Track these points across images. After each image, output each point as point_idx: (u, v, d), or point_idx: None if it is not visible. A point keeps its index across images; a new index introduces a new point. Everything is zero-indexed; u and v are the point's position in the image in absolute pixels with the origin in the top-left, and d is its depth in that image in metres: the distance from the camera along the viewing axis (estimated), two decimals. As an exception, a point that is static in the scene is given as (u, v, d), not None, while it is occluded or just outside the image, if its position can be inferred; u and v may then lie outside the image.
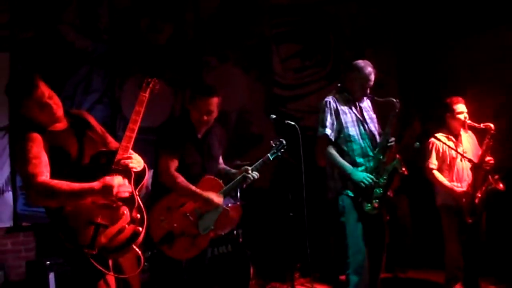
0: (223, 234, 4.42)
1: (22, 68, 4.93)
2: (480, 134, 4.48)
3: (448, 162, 4.47)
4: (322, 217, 5.09)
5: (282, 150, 3.91)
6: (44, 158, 2.74)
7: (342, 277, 4.70)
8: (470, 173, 4.40)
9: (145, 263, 4.18)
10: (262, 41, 6.31)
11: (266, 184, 5.53)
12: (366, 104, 4.16)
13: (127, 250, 2.76)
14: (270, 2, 6.40)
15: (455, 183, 4.44)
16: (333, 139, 3.96)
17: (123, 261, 2.88)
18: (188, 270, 3.68)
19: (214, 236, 3.83)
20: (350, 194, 3.93)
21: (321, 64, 6.63)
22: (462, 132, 4.53)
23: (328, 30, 6.70)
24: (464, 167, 4.45)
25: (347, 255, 3.92)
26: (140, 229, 2.77)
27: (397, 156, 3.95)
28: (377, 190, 3.89)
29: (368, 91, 4.05)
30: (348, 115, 4.00)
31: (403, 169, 3.89)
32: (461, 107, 4.46)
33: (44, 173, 2.69)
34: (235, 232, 4.82)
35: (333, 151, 3.95)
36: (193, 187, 3.61)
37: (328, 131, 3.94)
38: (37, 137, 2.77)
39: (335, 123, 3.96)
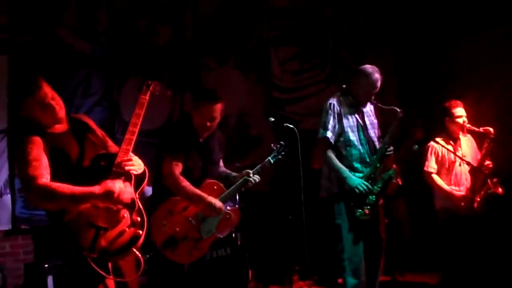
0: (221, 237, 4.42)
1: (21, 71, 4.92)
2: (479, 138, 4.48)
3: (447, 166, 4.47)
4: (321, 220, 5.08)
5: (282, 153, 3.92)
6: (44, 160, 2.73)
7: (340, 280, 4.71)
8: (468, 177, 4.40)
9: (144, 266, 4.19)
10: (261, 44, 6.31)
11: (265, 187, 5.53)
12: (369, 108, 4.17)
13: (127, 253, 2.76)
14: (269, 5, 6.40)
15: (453, 187, 4.44)
16: (333, 142, 3.97)
17: (122, 264, 2.87)
18: (188, 273, 3.68)
19: (213, 239, 3.83)
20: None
21: (319, 67, 6.63)
22: (461, 135, 4.53)
23: (327, 32, 6.70)
24: (462, 171, 4.45)
25: (342, 258, 3.93)
26: (140, 232, 2.76)
27: (394, 166, 3.97)
28: (370, 197, 3.90)
29: (373, 97, 4.05)
30: (349, 120, 4.01)
31: (398, 179, 3.91)
32: (460, 111, 4.46)
33: (44, 176, 2.68)
34: (233, 235, 4.82)
35: (332, 154, 3.96)
36: (198, 191, 3.62)
37: (329, 133, 3.95)
38: (37, 139, 2.76)
39: (337, 126, 3.97)
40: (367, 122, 4.08)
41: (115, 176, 2.78)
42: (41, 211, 4.26)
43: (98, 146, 2.99)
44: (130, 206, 2.78)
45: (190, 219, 3.63)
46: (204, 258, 3.78)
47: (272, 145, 3.97)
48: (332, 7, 6.70)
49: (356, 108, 4.06)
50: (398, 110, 3.94)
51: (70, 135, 2.92)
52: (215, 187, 3.74)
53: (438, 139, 4.47)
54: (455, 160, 4.45)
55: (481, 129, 4.35)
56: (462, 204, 4.32)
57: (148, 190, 3.47)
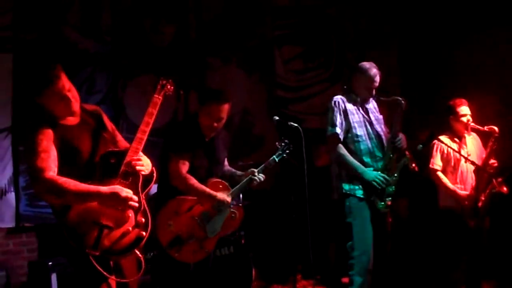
0: (225, 235, 4.42)
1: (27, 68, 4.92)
2: (484, 137, 4.47)
3: (452, 164, 4.46)
4: (325, 219, 5.08)
5: (287, 151, 3.91)
6: (53, 152, 2.69)
7: (344, 280, 4.70)
8: (474, 175, 4.39)
9: (147, 265, 4.20)
10: (265, 43, 6.32)
11: (268, 185, 5.53)
12: (372, 105, 4.19)
13: (129, 254, 2.75)
14: (273, 4, 6.40)
15: (459, 185, 4.43)
16: (342, 139, 3.98)
17: (124, 263, 2.86)
18: (193, 272, 3.68)
19: (218, 238, 3.83)
20: (359, 194, 3.93)
21: (323, 66, 6.63)
22: (466, 134, 4.52)
23: (330, 32, 6.70)
24: (468, 169, 4.44)
25: (352, 256, 3.92)
26: (144, 233, 2.75)
27: (407, 153, 3.97)
28: (389, 188, 3.91)
29: (374, 92, 4.08)
30: (355, 115, 4.03)
31: (413, 165, 3.91)
32: (464, 110, 4.45)
33: (52, 168, 2.65)
34: (237, 233, 4.82)
35: (344, 150, 3.96)
36: (208, 189, 3.63)
37: (338, 129, 3.96)
38: (48, 130, 2.72)
39: (343, 122, 3.99)
40: (373, 118, 4.10)
41: (123, 175, 2.78)
42: (45, 209, 4.29)
43: (108, 141, 2.96)
44: (136, 208, 2.77)
45: (196, 218, 3.63)
46: (208, 257, 3.78)
47: (277, 143, 3.96)
48: (336, 6, 6.70)
49: (360, 105, 4.09)
50: (400, 98, 3.99)
51: (82, 128, 2.88)
52: (220, 186, 3.74)
53: (443, 137, 4.46)
54: (460, 157, 4.44)
55: (485, 128, 4.35)
56: (466, 203, 4.32)
57: (153, 189, 3.47)
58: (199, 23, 5.97)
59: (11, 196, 4.93)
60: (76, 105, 2.82)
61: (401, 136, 4.02)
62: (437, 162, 4.47)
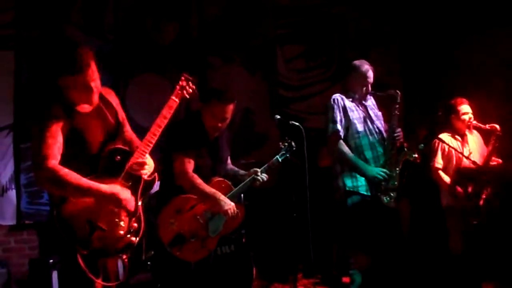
0: (226, 234, 4.42)
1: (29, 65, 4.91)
2: (486, 135, 4.47)
3: (454, 162, 4.45)
4: (326, 218, 5.08)
5: (290, 151, 3.90)
6: (60, 139, 2.62)
7: (345, 279, 4.70)
8: (475, 174, 4.39)
9: (148, 263, 4.20)
10: (267, 42, 6.31)
11: (270, 184, 5.53)
12: (371, 102, 4.23)
13: (117, 258, 2.75)
14: (274, 3, 6.40)
15: (460, 183, 4.43)
16: (342, 136, 3.98)
17: (110, 267, 2.82)
18: (194, 271, 3.68)
19: (220, 237, 3.82)
20: (363, 191, 3.93)
21: (325, 65, 6.63)
22: (467, 132, 4.52)
23: (333, 31, 6.69)
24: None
25: (353, 254, 3.92)
26: (134, 239, 2.74)
27: (405, 144, 3.98)
28: (392, 183, 3.91)
29: (370, 88, 4.09)
30: (355, 112, 4.07)
31: (415, 155, 3.91)
32: (465, 108, 4.45)
33: (56, 157, 2.59)
34: (238, 232, 4.81)
35: (345, 147, 3.97)
36: (213, 190, 3.60)
37: (338, 126, 3.98)
38: (60, 115, 2.64)
39: (343, 120, 4.00)
40: (372, 114, 4.14)
41: (125, 177, 2.75)
42: (46, 207, 4.29)
43: (116, 132, 2.88)
44: (132, 213, 2.76)
45: (198, 217, 3.62)
46: (209, 256, 3.78)
47: (280, 143, 3.94)
48: (338, 5, 6.69)
49: (358, 102, 4.11)
50: (395, 91, 4.03)
51: (96, 117, 2.79)
52: (223, 185, 3.73)
53: (444, 135, 4.45)
54: (462, 156, 4.43)
55: (487, 126, 4.35)
56: (467, 201, 4.31)
57: (155, 186, 3.47)
58: (202, 22, 5.97)
59: (12, 193, 4.93)
60: (96, 96, 2.73)
61: (399, 129, 4.03)
62: (438, 161, 4.47)
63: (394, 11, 6.84)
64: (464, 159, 4.40)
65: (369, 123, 4.07)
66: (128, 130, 3.02)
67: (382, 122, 4.18)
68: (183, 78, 3.07)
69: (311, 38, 6.57)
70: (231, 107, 3.64)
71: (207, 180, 3.66)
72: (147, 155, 2.83)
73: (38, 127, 2.61)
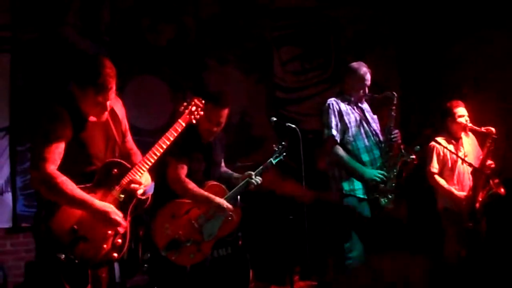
0: (222, 236, 4.41)
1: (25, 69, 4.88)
2: (481, 138, 4.47)
3: (449, 165, 4.46)
4: (322, 221, 5.08)
5: (284, 153, 3.89)
6: (62, 145, 2.61)
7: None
8: (471, 176, 4.39)
9: (144, 265, 4.19)
10: (263, 44, 6.30)
11: (266, 187, 5.53)
12: (366, 105, 4.23)
13: (95, 271, 2.73)
14: (271, 5, 6.39)
15: (456, 186, 4.43)
16: (338, 140, 3.98)
17: (101, 273, 2.81)
18: (190, 274, 3.67)
19: (215, 241, 3.82)
20: (360, 194, 3.93)
21: (322, 67, 6.62)
22: (463, 135, 4.53)
23: (329, 33, 6.69)
24: (465, 170, 4.45)
25: (349, 256, 3.92)
26: (116, 255, 2.71)
27: (402, 146, 3.98)
28: (390, 184, 3.90)
29: (367, 91, 4.08)
30: (351, 115, 4.05)
31: (412, 156, 3.91)
32: (461, 111, 4.46)
33: (56, 162, 2.58)
34: (234, 234, 4.80)
35: (342, 152, 3.96)
36: (206, 193, 3.60)
37: (334, 131, 3.97)
38: (67, 120, 2.63)
39: (339, 124, 4.00)
40: (368, 117, 4.14)
41: (120, 191, 2.72)
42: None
43: (117, 142, 2.86)
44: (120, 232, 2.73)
45: (193, 221, 3.61)
46: (205, 259, 3.77)
47: (274, 146, 3.94)
48: (335, 7, 6.69)
49: (354, 105, 4.10)
50: (392, 93, 4.03)
51: (100, 128, 2.78)
52: (217, 189, 3.73)
53: (439, 139, 4.46)
54: (457, 159, 4.44)
55: (483, 129, 4.35)
56: (464, 204, 4.31)
57: (150, 190, 3.46)
58: (198, 24, 5.96)
59: (8, 196, 4.91)
60: (106, 113, 2.73)
61: (396, 131, 4.03)
62: (434, 165, 4.48)
63: (391, 12, 6.85)
64: (459, 163, 4.42)
65: (365, 125, 4.07)
66: (129, 140, 3.02)
67: (378, 125, 4.18)
68: (193, 103, 3.05)
69: (308, 40, 6.57)
70: (226, 111, 3.63)
71: (201, 184, 3.66)
72: (145, 173, 2.81)
73: (44, 128, 2.61)
